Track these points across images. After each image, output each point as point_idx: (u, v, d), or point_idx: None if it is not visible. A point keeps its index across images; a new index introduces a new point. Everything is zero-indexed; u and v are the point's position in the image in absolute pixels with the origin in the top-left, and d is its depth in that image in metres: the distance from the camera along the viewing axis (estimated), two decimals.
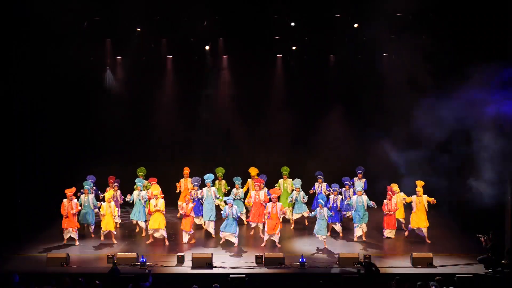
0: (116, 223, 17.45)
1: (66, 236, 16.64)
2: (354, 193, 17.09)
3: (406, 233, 16.76)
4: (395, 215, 17.03)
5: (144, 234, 17.41)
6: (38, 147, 18.71)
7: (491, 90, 15.59)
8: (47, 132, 19.26)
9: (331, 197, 17.15)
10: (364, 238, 16.74)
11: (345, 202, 17.31)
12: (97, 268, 14.74)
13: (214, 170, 18.76)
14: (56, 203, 16.95)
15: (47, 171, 19.26)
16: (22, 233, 17.17)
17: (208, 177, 17.79)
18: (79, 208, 16.74)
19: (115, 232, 16.84)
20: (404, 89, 18.99)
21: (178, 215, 18.77)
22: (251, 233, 17.25)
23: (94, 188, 17.92)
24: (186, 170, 18.92)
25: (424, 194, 16.65)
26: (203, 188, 17.54)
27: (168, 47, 20.12)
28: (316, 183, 18.31)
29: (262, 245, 16.33)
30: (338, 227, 17.26)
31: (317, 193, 17.98)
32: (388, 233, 17.03)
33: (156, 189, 17.01)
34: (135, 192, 17.58)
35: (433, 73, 18.38)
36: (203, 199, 17.37)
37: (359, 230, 16.73)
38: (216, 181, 18.56)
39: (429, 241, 16.44)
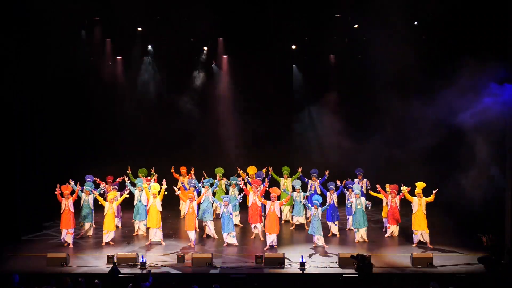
0: (116, 225, 17.49)
1: (63, 237, 16.58)
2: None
3: (414, 245, 16.36)
4: (399, 211, 17.00)
5: (145, 234, 17.39)
6: (38, 147, 18.70)
7: (489, 90, 15.61)
8: (47, 132, 19.25)
9: (328, 194, 17.12)
10: (363, 241, 16.69)
11: (348, 206, 17.20)
12: (97, 268, 14.74)
13: (213, 170, 18.77)
14: (55, 203, 16.91)
15: (47, 171, 19.25)
16: (22, 233, 17.18)
17: (208, 181, 17.80)
18: (77, 188, 16.74)
19: (113, 235, 16.75)
20: (402, 89, 19.00)
21: (182, 215, 18.79)
22: (252, 236, 17.22)
23: (93, 188, 17.87)
24: (183, 170, 18.96)
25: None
26: (201, 190, 17.52)
27: (168, 47, 20.12)
28: (309, 180, 18.30)
29: (265, 248, 16.11)
30: (334, 227, 17.22)
31: (308, 190, 17.96)
32: (393, 229, 17.01)
33: (156, 188, 16.93)
34: (136, 192, 17.59)
35: (431, 73, 18.40)
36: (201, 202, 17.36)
37: (359, 234, 16.66)
38: (216, 181, 18.57)
39: (431, 246, 16.04)
